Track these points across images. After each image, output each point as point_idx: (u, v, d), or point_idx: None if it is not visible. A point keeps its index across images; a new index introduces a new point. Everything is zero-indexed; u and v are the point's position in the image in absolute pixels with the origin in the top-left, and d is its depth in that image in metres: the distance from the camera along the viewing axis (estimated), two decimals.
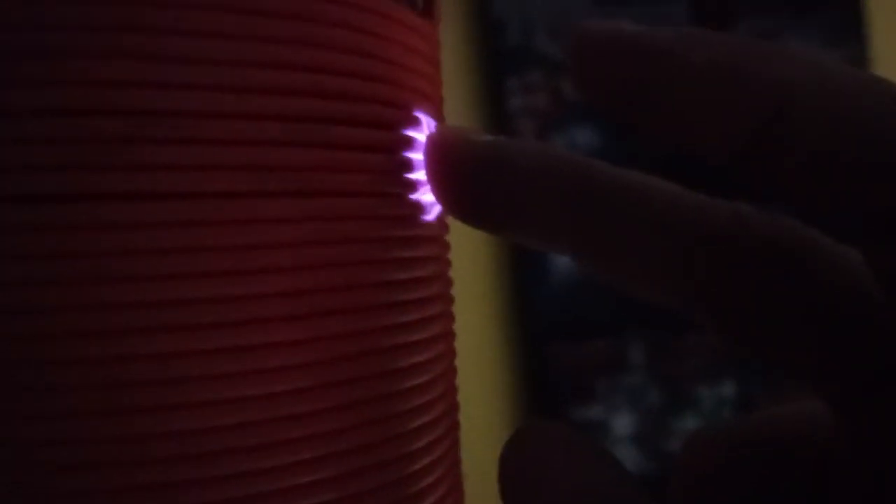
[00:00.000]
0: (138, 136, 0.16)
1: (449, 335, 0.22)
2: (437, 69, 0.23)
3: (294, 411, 0.18)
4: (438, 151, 0.21)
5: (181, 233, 0.17)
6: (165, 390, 0.17)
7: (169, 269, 0.17)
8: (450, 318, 0.23)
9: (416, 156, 0.21)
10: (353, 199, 0.19)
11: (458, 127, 0.21)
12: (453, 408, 0.22)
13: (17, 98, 0.16)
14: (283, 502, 0.18)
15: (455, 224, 0.22)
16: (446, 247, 0.23)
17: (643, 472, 1.10)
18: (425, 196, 0.21)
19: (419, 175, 0.21)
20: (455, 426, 0.23)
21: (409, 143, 0.21)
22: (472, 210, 0.21)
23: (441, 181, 0.21)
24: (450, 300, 0.23)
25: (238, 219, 0.17)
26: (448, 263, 0.23)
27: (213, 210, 0.17)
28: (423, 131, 0.21)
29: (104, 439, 0.16)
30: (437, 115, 0.22)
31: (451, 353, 0.22)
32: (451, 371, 0.22)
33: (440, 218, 0.22)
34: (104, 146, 0.16)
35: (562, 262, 1.02)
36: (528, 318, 1.04)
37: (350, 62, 0.19)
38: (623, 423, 1.10)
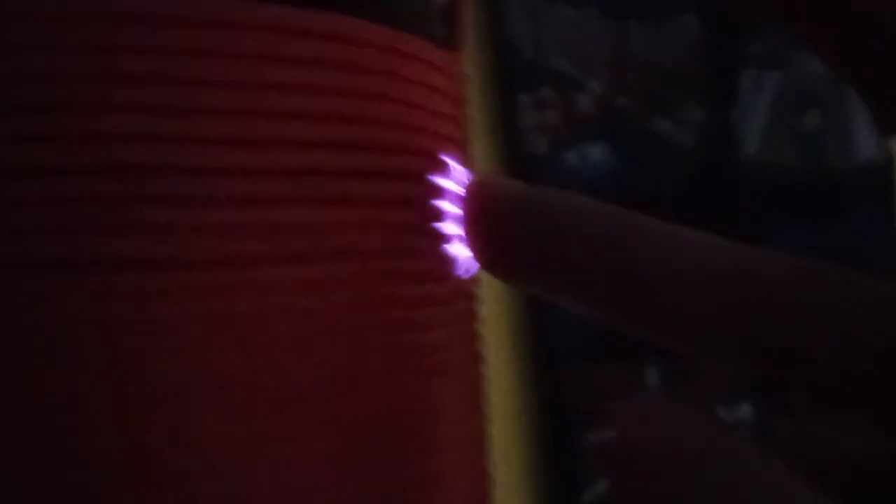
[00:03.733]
0: (138, 195, 0.14)
1: (480, 404, 0.21)
2: (461, 107, 0.21)
3: (318, 497, 0.16)
4: (476, 202, 0.19)
5: (185, 304, 0.15)
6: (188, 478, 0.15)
7: (169, 343, 0.15)
8: (481, 382, 0.21)
9: (444, 205, 0.19)
10: (372, 259, 0.17)
11: (497, 176, 0.20)
12: (487, 488, 0.20)
13: (18, 155, 0.14)
14: None
15: None
16: (476, 301, 0.21)
17: None
18: (454, 249, 0.19)
19: (447, 226, 0.19)
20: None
21: (436, 192, 0.19)
22: (510, 266, 0.19)
23: (478, 233, 0.19)
24: (480, 361, 0.21)
25: (245, 287, 0.15)
26: (478, 319, 0.21)
27: (216, 279, 0.15)
28: (450, 177, 0.19)
29: None
30: (464, 156, 0.21)
31: (483, 429, 0.20)
32: (483, 449, 0.21)
33: (471, 271, 0.20)
34: (103, 206, 0.14)
35: None
36: (541, 341, 1.02)
37: (367, 108, 0.17)
38: None
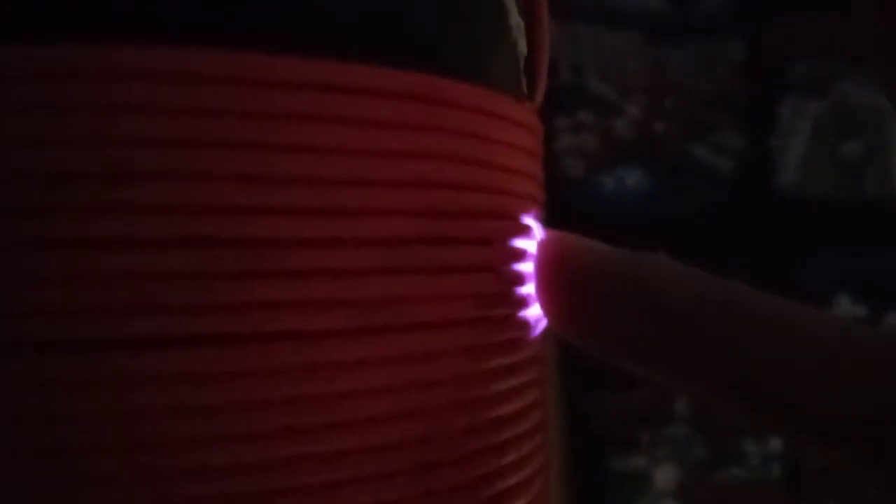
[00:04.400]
0: (216, 271, 0.14)
1: (545, 470, 0.20)
2: (539, 161, 0.21)
3: (388, 464, 0.15)
4: (556, 263, 0.18)
5: (267, 382, 0.14)
6: None
7: (256, 426, 0.14)
8: (546, 449, 0.20)
9: (525, 268, 0.18)
10: (461, 328, 0.16)
11: (574, 236, 0.19)
12: None
13: (85, 228, 0.13)
14: None
15: None
16: (546, 365, 0.20)
17: None
18: (532, 312, 0.19)
19: (527, 290, 0.18)
20: None
21: (518, 255, 0.18)
22: (589, 332, 0.18)
23: (556, 295, 0.18)
24: (546, 428, 0.20)
25: (331, 362, 0.14)
26: (546, 383, 0.21)
27: (299, 355, 0.14)
28: (532, 239, 0.19)
29: None
30: (541, 214, 0.20)
31: (547, 492, 0.20)
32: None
33: (542, 335, 0.19)
34: (178, 282, 0.13)
35: None
36: (570, 367, 1.01)
37: (452, 172, 0.16)
38: (666, 476, 1.06)
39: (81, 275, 0.13)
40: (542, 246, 0.19)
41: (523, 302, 0.18)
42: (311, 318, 0.14)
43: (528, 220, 0.18)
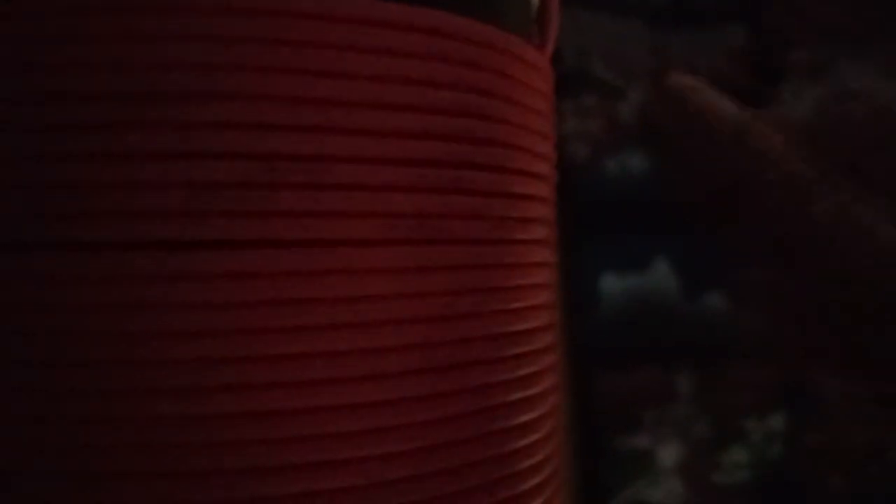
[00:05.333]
0: (274, 182, 0.15)
1: (558, 389, 0.22)
2: (551, 103, 0.22)
3: (409, 469, 0.17)
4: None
5: (307, 282, 0.16)
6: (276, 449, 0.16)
7: (286, 322, 0.16)
8: (557, 370, 0.22)
9: (539, 195, 0.20)
10: (479, 246, 0.18)
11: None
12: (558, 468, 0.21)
13: (152, 141, 0.15)
14: None
15: None
16: (555, 293, 0.22)
17: None
18: (538, 233, 0.20)
19: (540, 216, 0.20)
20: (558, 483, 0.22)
21: (532, 185, 0.20)
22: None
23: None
24: (557, 348, 0.22)
25: (363, 268, 0.16)
26: (556, 309, 0.22)
27: (340, 259, 0.16)
28: (545, 172, 0.20)
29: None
30: (553, 154, 0.22)
31: (558, 412, 0.21)
32: (558, 430, 0.22)
33: (551, 263, 0.21)
34: (238, 191, 0.15)
35: (609, 290, 1.00)
36: (574, 347, 1.03)
37: (477, 103, 0.18)
38: (670, 455, 1.08)
39: (148, 183, 0.15)
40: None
41: (536, 230, 0.20)
42: (342, 226, 0.16)
43: (541, 155, 0.20)
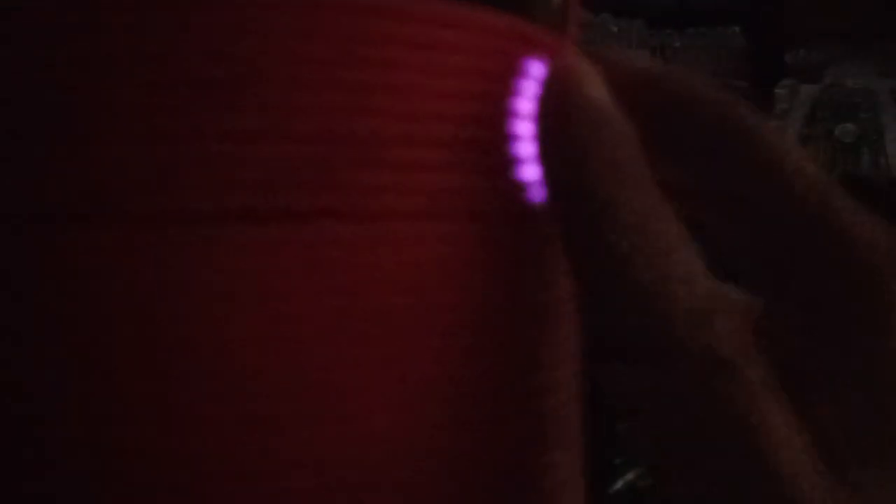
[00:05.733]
0: (331, 160, 0.17)
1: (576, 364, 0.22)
2: None
3: (421, 442, 0.17)
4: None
5: (363, 250, 0.17)
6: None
7: (328, 289, 0.17)
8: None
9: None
10: (516, 222, 0.20)
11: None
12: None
13: (220, 122, 0.16)
14: None
15: None
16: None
17: None
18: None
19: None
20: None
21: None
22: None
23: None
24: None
25: (412, 237, 0.18)
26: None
27: (382, 231, 0.18)
28: None
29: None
30: None
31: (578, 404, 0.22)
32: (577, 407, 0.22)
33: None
34: (300, 168, 0.17)
35: None
36: (583, 336, 1.03)
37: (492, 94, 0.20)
38: None
39: (224, 160, 0.17)
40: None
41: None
42: (399, 201, 0.18)
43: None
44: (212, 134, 0.16)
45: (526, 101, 0.21)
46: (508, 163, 0.19)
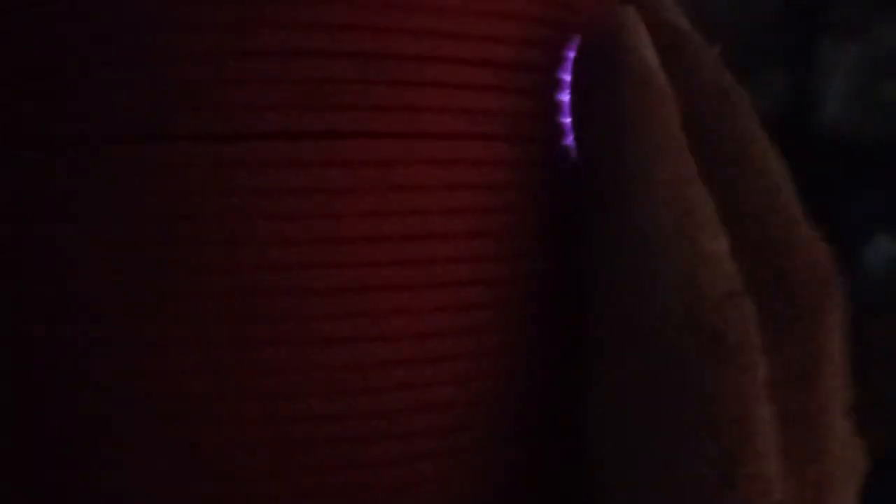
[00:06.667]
0: (372, 78, 0.17)
1: None
2: None
3: (424, 375, 0.18)
4: None
5: (401, 169, 0.17)
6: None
7: (367, 207, 0.17)
8: None
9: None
10: (550, 145, 0.19)
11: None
12: None
13: (250, 40, 0.17)
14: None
15: None
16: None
17: None
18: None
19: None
20: None
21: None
22: None
23: None
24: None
25: (443, 159, 0.18)
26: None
27: (420, 150, 0.17)
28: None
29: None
30: None
31: None
32: None
33: None
34: (332, 86, 0.17)
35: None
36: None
37: (555, 15, 0.19)
38: None
39: (261, 79, 0.17)
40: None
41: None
42: (435, 120, 0.18)
43: None
44: (252, 52, 0.17)
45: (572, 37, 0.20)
46: (552, 88, 0.19)
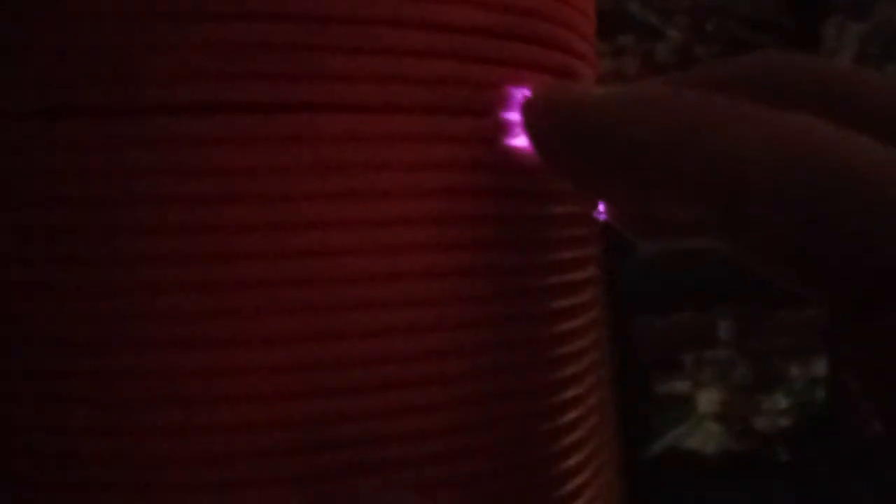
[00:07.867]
0: (319, 44, 0.15)
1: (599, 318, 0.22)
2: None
3: (438, 369, 0.17)
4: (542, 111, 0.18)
5: (345, 147, 0.16)
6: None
7: (329, 188, 0.16)
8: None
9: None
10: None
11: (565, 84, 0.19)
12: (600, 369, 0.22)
13: (194, 6, 0.15)
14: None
15: None
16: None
17: (729, 450, 1.07)
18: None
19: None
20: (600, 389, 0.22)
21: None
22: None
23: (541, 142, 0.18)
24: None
25: (403, 134, 0.16)
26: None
27: (378, 125, 0.16)
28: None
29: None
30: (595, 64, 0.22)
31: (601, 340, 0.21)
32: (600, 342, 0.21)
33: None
34: (279, 54, 0.15)
35: None
36: (614, 290, 1.02)
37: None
38: (709, 400, 1.07)
39: (189, 45, 0.15)
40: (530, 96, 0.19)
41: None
42: (383, 92, 0.16)
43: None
44: (165, 14, 0.15)
45: None
46: (519, 52, 0.17)
